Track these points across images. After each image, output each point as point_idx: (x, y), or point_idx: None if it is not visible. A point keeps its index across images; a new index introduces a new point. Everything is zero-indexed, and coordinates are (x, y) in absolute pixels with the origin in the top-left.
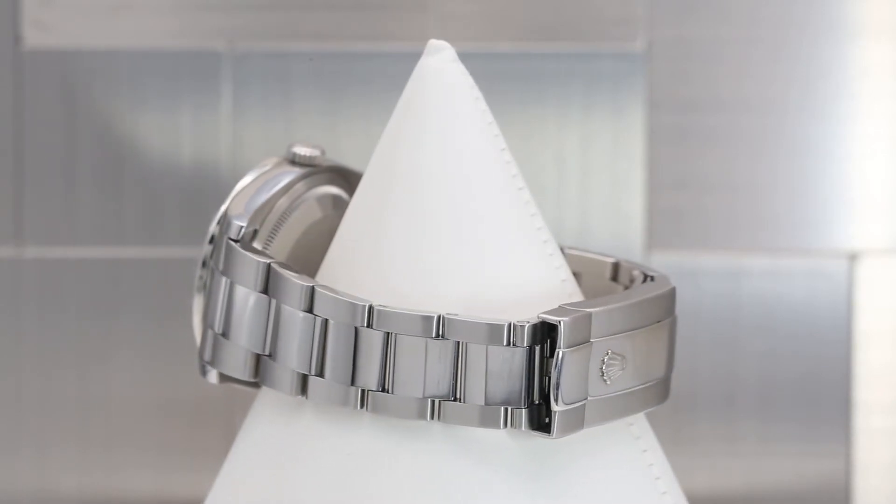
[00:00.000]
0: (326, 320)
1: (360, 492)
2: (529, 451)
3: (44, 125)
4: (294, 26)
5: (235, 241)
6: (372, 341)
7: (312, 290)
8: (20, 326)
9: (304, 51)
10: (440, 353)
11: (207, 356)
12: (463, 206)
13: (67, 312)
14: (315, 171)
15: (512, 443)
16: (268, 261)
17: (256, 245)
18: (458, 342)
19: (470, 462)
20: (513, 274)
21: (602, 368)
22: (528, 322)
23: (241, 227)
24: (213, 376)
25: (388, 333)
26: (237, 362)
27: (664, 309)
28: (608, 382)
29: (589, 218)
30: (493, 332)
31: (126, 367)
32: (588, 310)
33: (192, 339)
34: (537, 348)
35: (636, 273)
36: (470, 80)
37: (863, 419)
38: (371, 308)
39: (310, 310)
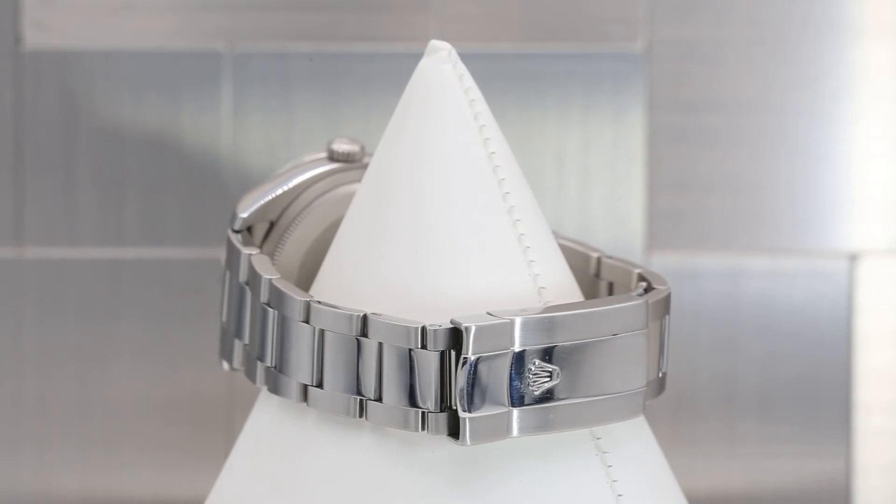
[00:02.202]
0: (282, 315)
1: (296, 488)
2: (462, 459)
3: (44, 125)
4: (294, 26)
5: (237, 232)
6: (307, 336)
7: (270, 283)
8: (20, 326)
9: (304, 51)
10: (362, 352)
11: (220, 345)
12: (439, 212)
13: (68, 313)
14: (353, 166)
15: (444, 450)
16: (250, 252)
17: (275, 236)
18: (381, 343)
19: (393, 464)
20: (480, 281)
21: (528, 378)
22: (441, 326)
23: (242, 218)
24: (224, 364)
25: (322, 330)
26: (230, 351)
27: (618, 323)
28: (537, 393)
29: (589, 218)
30: (407, 334)
31: (126, 367)
32: (508, 318)
33: (191, 339)
34: (454, 353)
35: (642, 284)
36: (468, 82)
37: (863, 420)
38: (308, 304)
39: (268, 303)
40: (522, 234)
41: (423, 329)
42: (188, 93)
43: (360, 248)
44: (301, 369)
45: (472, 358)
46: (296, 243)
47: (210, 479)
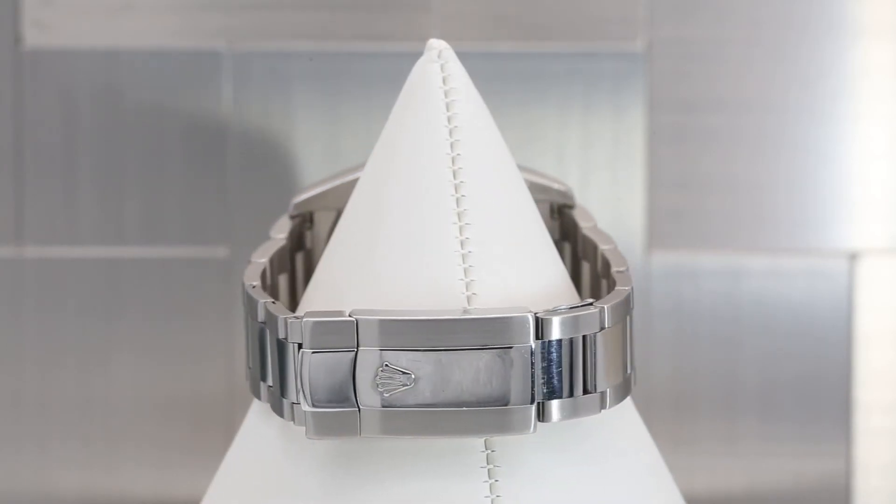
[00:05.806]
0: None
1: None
2: (350, 454)
3: (44, 125)
4: (294, 26)
5: (293, 218)
6: (254, 330)
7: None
8: (20, 326)
9: (304, 51)
10: (264, 340)
11: None
12: (392, 213)
13: (67, 312)
14: None
15: (325, 444)
16: (275, 236)
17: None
18: (270, 332)
19: (288, 452)
20: (413, 283)
21: (376, 380)
22: (300, 318)
23: (293, 204)
24: None
25: (251, 317)
26: None
27: (493, 335)
28: (386, 395)
29: None
30: (277, 325)
31: (126, 366)
32: (354, 317)
33: (192, 339)
34: None
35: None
36: (453, 82)
37: (863, 419)
38: (244, 290)
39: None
40: (467, 239)
41: (286, 320)
42: (188, 92)
43: (339, 244)
44: (250, 361)
45: (309, 352)
46: None
47: (210, 479)
